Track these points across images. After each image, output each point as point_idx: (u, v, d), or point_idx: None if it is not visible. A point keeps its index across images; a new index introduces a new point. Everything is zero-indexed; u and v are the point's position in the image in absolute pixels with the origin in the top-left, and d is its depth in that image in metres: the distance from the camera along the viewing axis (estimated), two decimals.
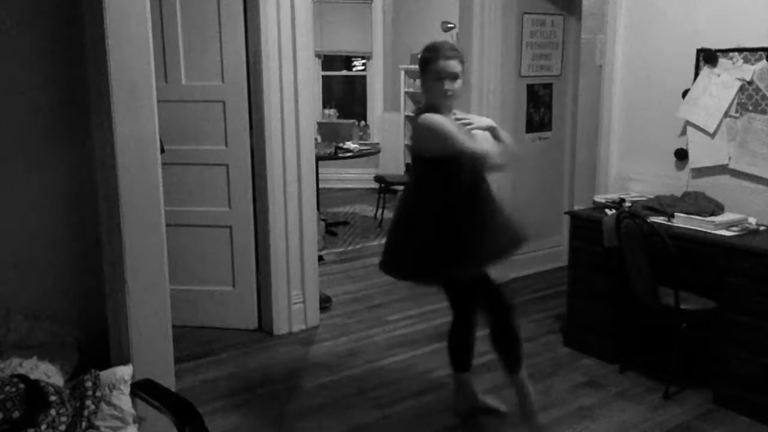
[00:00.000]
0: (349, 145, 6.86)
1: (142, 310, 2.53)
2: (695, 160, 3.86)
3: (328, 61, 9.25)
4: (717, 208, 3.59)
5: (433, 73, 2.74)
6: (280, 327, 4.26)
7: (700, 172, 3.85)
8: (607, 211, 3.80)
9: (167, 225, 2.63)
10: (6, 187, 2.53)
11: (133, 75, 2.41)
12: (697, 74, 3.81)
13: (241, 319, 4.31)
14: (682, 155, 3.91)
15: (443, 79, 2.72)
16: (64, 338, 2.55)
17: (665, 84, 3.97)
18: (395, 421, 3.25)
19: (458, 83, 2.75)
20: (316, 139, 5.63)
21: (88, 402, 2.23)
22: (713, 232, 3.37)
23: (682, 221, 3.52)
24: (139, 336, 2.53)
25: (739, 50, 3.62)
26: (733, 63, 3.64)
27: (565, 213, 4.53)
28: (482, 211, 2.82)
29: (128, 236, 2.46)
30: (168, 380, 2.63)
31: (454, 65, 2.71)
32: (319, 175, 5.37)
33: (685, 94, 3.86)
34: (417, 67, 2.93)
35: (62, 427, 2.11)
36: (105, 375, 2.34)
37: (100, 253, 2.61)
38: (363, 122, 9.06)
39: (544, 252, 5.54)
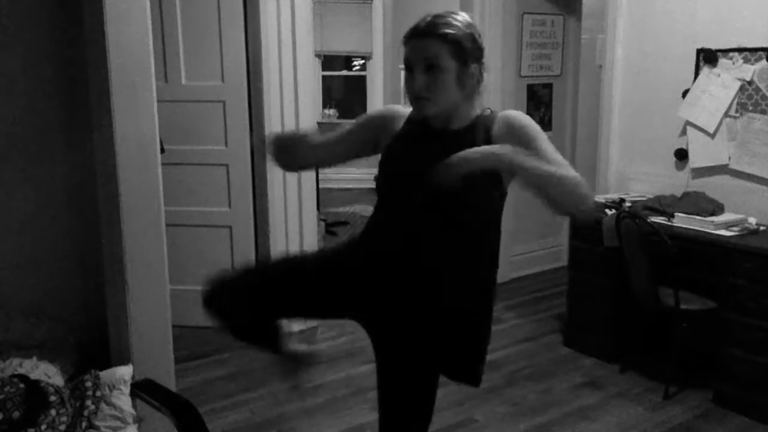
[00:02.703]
0: None
1: (142, 310, 2.53)
2: (695, 160, 3.85)
3: (328, 61, 9.25)
4: (717, 208, 3.59)
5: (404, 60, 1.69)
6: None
7: (700, 172, 3.85)
8: (607, 211, 3.80)
9: (167, 225, 2.63)
10: (6, 187, 2.52)
11: (133, 75, 2.41)
12: (697, 74, 3.81)
13: None
14: (682, 155, 3.91)
15: (410, 70, 1.67)
16: (64, 338, 2.55)
17: (665, 84, 3.97)
18: None
19: (443, 80, 1.60)
20: None
21: (88, 402, 2.23)
22: (713, 232, 3.37)
23: (682, 221, 3.52)
24: (139, 336, 2.53)
25: (739, 50, 3.62)
26: (733, 63, 3.64)
27: None
28: None
29: (128, 236, 2.46)
30: (168, 380, 2.63)
31: (429, 46, 1.58)
32: (319, 175, 5.37)
33: (685, 94, 3.86)
34: None
35: (62, 427, 2.11)
36: (105, 375, 2.34)
37: (100, 253, 2.61)
38: None
39: (544, 252, 5.55)
